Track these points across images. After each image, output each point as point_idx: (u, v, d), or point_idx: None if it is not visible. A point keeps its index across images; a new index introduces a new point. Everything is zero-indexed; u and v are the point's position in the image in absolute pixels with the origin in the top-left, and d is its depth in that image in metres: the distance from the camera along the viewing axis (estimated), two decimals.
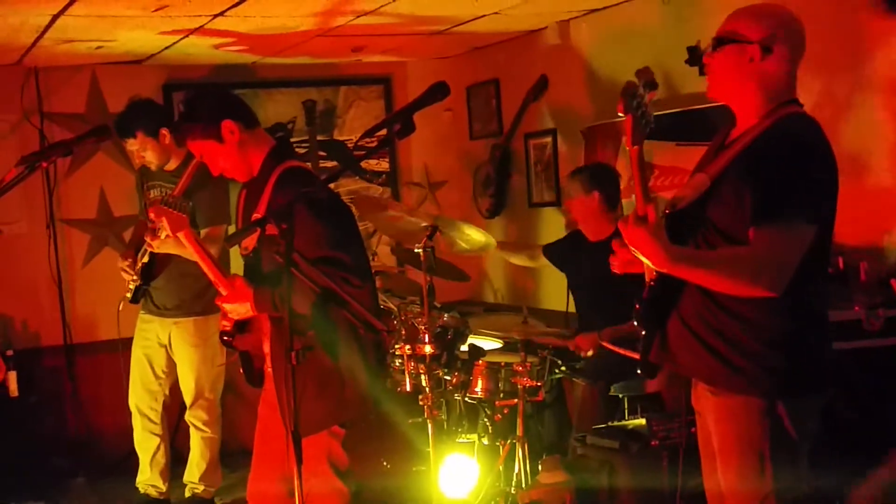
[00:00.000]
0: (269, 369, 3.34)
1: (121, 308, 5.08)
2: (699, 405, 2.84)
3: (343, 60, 6.49)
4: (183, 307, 4.93)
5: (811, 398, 2.67)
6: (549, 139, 6.05)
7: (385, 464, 4.62)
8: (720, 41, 2.70)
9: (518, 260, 5.62)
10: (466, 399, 4.63)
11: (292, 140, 6.40)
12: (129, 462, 5.23)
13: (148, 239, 4.53)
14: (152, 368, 5.06)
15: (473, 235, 4.48)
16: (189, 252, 3.46)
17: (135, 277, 4.79)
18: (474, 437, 4.70)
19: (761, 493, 2.62)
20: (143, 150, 4.83)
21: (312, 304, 3.07)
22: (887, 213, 3.97)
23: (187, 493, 5.15)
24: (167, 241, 4.46)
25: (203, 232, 4.78)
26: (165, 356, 5.05)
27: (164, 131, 4.82)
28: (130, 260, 4.81)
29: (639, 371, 2.78)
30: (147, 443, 5.12)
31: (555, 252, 5.07)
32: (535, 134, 6.17)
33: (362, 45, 5.95)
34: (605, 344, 4.24)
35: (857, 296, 3.69)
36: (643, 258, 2.60)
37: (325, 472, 3.25)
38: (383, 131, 3.08)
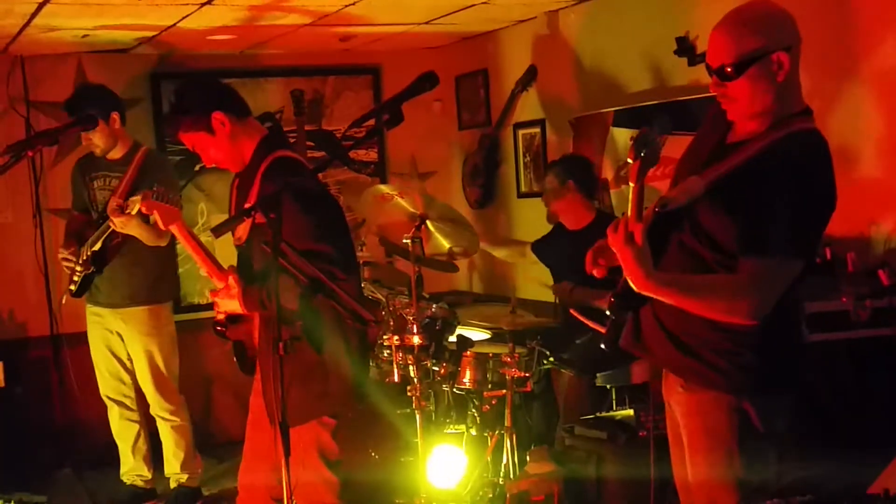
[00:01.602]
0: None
1: (63, 302, 5.07)
2: (669, 397, 2.82)
3: (331, 50, 6.47)
4: (135, 297, 4.87)
5: (781, 395, 2.64)
6: (537, 129, 6.05)
7: (373, 454, 4.62)
8: (745, 63, 2.48)
9: (503, 254, 5.61)
10: (455, 390, 4.63)
11: None
12: (116, 453, 5.21)
13: (113, 217, 4.50)
14: (115, 356, 5.02)
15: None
16: (185, 246, 3.43)
17: (79, 268, 4.75)
18: (462, 427, 4.70)
19: (727, 487, 2.61)
20: (91, 133, 4.75)
21: (300, 296, 3.07)
22: (875, 204, 3.97)
23: (172, 484, 5.13)
24: (133, 221, 4.44)
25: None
26: (123, 343, 5.01)
27: (115, 115, 4.77)
28: (74, 248, 4.77)
29: (602, 345, 2.73)
30: (126, 431, 5.10)
31: (541, 247, 5.07)
32: (524, 124, 6.16)
33: (350, 34, 5.93)
34: (573, 312, 4.25)
35: (845, 287, 3.70)
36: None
37: (314, 462, 3.24)
38: (371, 121, 3.06)
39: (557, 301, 4.55)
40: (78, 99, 4.83)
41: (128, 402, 5.07)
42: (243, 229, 3.26)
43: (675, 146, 5.37)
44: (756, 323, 2.48)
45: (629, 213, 2.51)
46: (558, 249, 4.89)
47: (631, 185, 2.50)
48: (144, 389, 5.00)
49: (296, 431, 2.86)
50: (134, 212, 4.43)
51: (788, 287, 2.50)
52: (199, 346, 6.23)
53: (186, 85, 3.38)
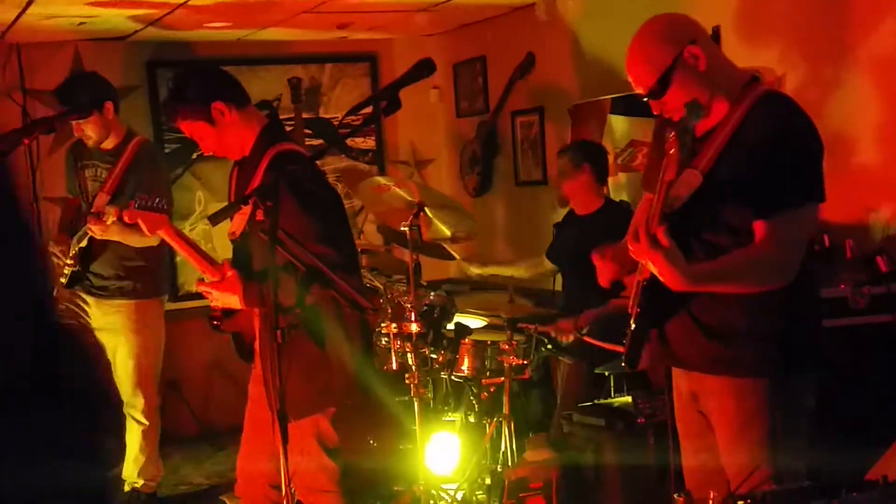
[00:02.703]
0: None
1: (55, 293, 5.01)
2: (690, 385, 2.84)
3: (329, 37, 6.45)
4: (123, 291, 4.78)
5: (809, 374, 2.72)
6: (536, 117, 6.03)
7: (371, 442, 4.63)
8: (662, 83, 2.60)
9: (524, 272, 5.46)
10: (453, 377, 4.63)
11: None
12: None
13: (91, 225, 4.48)
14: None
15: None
16: (175, 248, 3.40)
17: (70, 262, 4.69)
18: (460, 415, 4.70)
19: (765, 471, 2.64)
20: (84, 122, 4.63)
21: (298, 284, 3.06)
22: (872, 191, 3.97)
23: (126, 488, 4.97)
24: (112, 228, 4.42)
25: None
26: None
27: (109, 105, 4.65)
28: (64, 246, 4.71)
29: (623, 364, 2.79)
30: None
31: (552, 248, 5.05)
32: (522, 112, 6.15)
33: (348, 21, 5.91)
34: (586, 339, 4.26)
35: (843, 273, 3.70)
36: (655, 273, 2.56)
37: (313, 450, 3.25)
38: (369, 109, 3.05)
39: (570, 339, 4.52)
40: (69, 87, 4.72)
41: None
42: (238, 224, 3.24)
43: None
44: (785, 285, 2.56)
45: (654, 211, 2.53)
46: (564, 234, 4.90)
47: (663, 179, 2.51)
48: (119, 385, 4.87)
49: (296, 422, 2.86)
50: (109, 221, 4.40)
51: (810, 236, 2.59)
52: (198, 333, 6.22)
53: (186, 74, 3.36)
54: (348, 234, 3.30)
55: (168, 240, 3.34)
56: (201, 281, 3.23)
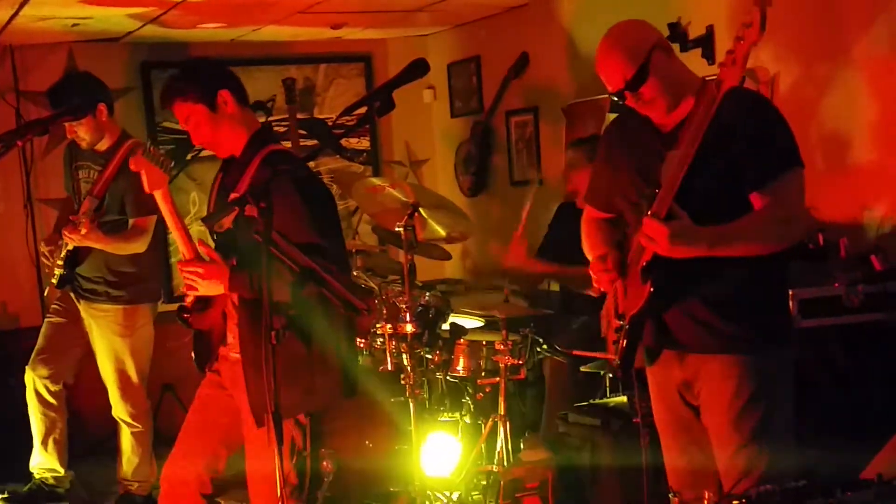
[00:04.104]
0: (233, 354, 3.26)
1: (46, 294, 5.00)
2: (688, 373, 2.84)
3: (323, 38, 6.44)
4: (111, 295, 4.72)
5: (787, 349, 2.83)
6: (530, 117, 6.03)
7: (367, 443, 4.62)
8: (641, 74, 2.71)
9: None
10: (448, 378, 4.63)
11: (272, 119, 6.37)
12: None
13: (66, 233, 4.46)
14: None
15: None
16: (165, 215, 3.30)
17: (59, 261, 4.66)
18: (456, 415, 4.70)
19: (762, 447, 2.71)
20: (77, 124, 4.57)
21: (291, 285, 3.05)
22: (867, 190, 3.97)
23: (121, 491, 4.94)
24: (89, 237, 4.43)
25: (131, 222, 4.64)
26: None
27: (102, 107, 4.59)
28: (53, 247, 4.69)
29: (617, 368, 2.86)
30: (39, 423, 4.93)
31: (547, 244, 5.03)
32: (517, 112, 6.15)
33: (342, 21, 5.90)
34: (575, 352, 4.28)
35: (837, 272, 3.70)
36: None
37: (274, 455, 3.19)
38: (363, 109, 3.04)
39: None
40: (62, 88, 4.66)
41: (46, 394, 4.88)
42: (227, 218, 3.20)
43: None
44: (799, 239, 2.84)
45: (665, 195, 2.58)
46: (563, 225, 4.87)
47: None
48: (110, 389, 4.82)
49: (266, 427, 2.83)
50: (82, 232, 4.40)
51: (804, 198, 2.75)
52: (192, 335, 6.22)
53: (197, 60, 3.34)
54: (340, 230, 3.29)
55: (161, 202, 3.25)
56: (184, 262, 3.18)
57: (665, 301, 2.76)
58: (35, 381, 4.86)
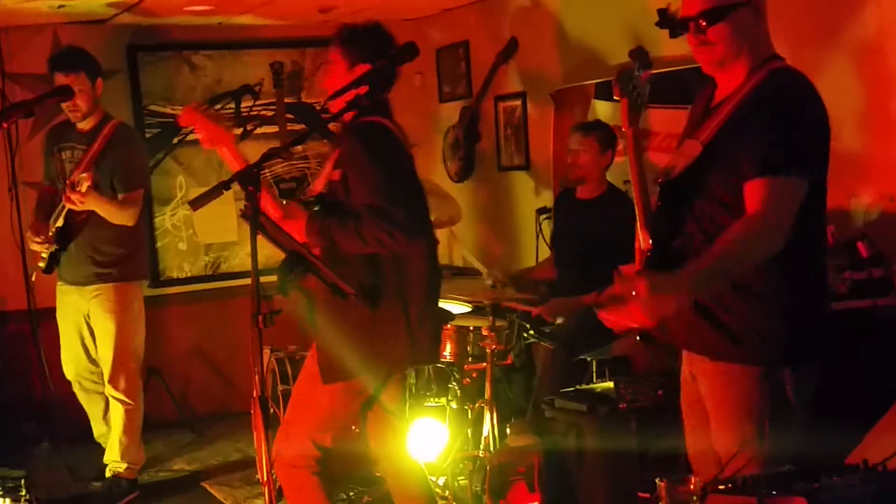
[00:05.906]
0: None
1: (34, 279, 5.01)
2: (693, 367, 2.84)
3: (311, 22, 6.40)
4: (102, 274, 4.78)
5: (811, 364, 2.69)
6: (518, 102, 6.02)
7: (354, 428, 4.62)
8: (719, 12, 2.59)
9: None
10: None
11: (259, 102, 6.33)
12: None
13: (68, 194, 4.50)
14: (82, 340, 4.94)
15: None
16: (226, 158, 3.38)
17: (49, 246, 4.69)
18: (443, 400, 4.70)
19: (757, 456, 2.62)
20: (80, 91, 4.68)
21: (282, 268, 3.08)
22: (853, 177, 3.98)
23: (108, 474, 4.94)
24: (89, 197, 4.49)
25: (120, 196, 4.72)
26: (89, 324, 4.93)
27: (100, 81, 4.77)
28: (43, 236, 4.71)
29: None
30: (93, 405, 5.03)
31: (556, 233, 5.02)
32: (505, 97, 6.14)
33: (331, 5, 5.87)
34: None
35: None
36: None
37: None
38: (351, 93, 3.04)
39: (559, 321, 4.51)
40: (68, 58, 4.78)
41: (87, 383, 5.00)
42: (321, 182, 3.39)
43: (663, 120, 5.39)
44: (782, 245, 2.50)
45: (636, 199, 2.54)
46: (564, 215, 4.87)
47: (624, 130, 2.50)
48: (103, 367, 4.88)
49: (331, 387, 3.23)
50: (84, 188, 4.41)
51: (798, 210, 2.52)
52: (178, 320, 6.20)
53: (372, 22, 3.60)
54: (414, 199, 3.43)
55: (227, 155, 3.36)
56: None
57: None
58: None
